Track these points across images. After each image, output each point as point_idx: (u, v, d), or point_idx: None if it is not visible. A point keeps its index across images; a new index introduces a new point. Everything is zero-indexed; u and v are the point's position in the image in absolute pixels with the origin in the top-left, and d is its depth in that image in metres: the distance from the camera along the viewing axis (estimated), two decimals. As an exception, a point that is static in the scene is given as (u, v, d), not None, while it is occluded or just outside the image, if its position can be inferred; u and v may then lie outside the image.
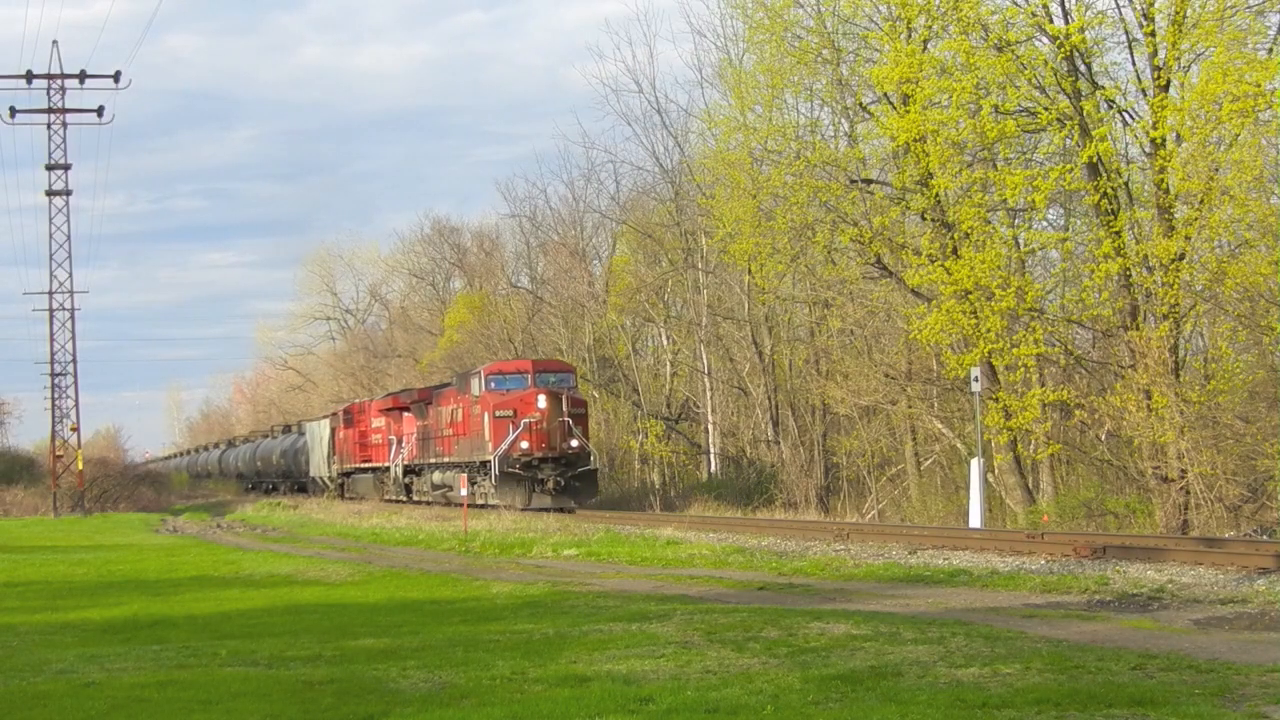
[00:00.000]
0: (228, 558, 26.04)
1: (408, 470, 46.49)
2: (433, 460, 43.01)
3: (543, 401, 35.91)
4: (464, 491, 33.98)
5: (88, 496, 56.84)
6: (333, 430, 56.66)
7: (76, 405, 58.19)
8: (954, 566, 18.27)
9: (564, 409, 36.21)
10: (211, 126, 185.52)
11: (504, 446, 35.99)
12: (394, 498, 47.28)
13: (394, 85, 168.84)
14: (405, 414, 46.88)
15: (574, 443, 36.22)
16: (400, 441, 47.44)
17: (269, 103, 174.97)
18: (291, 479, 67.44)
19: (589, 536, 25.95)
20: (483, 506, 36.82)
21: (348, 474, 55.21)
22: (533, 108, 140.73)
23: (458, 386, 40.68)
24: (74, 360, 58.14)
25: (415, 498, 45.13)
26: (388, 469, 49.00)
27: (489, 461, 36.51)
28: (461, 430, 39.46)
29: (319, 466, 59.80)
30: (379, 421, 50.66)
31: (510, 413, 36.25)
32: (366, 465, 52.17)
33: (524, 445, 35.93)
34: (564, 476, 36.06)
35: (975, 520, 26.41)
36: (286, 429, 75.48)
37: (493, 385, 37.43)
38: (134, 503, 60.74)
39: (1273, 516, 23.71)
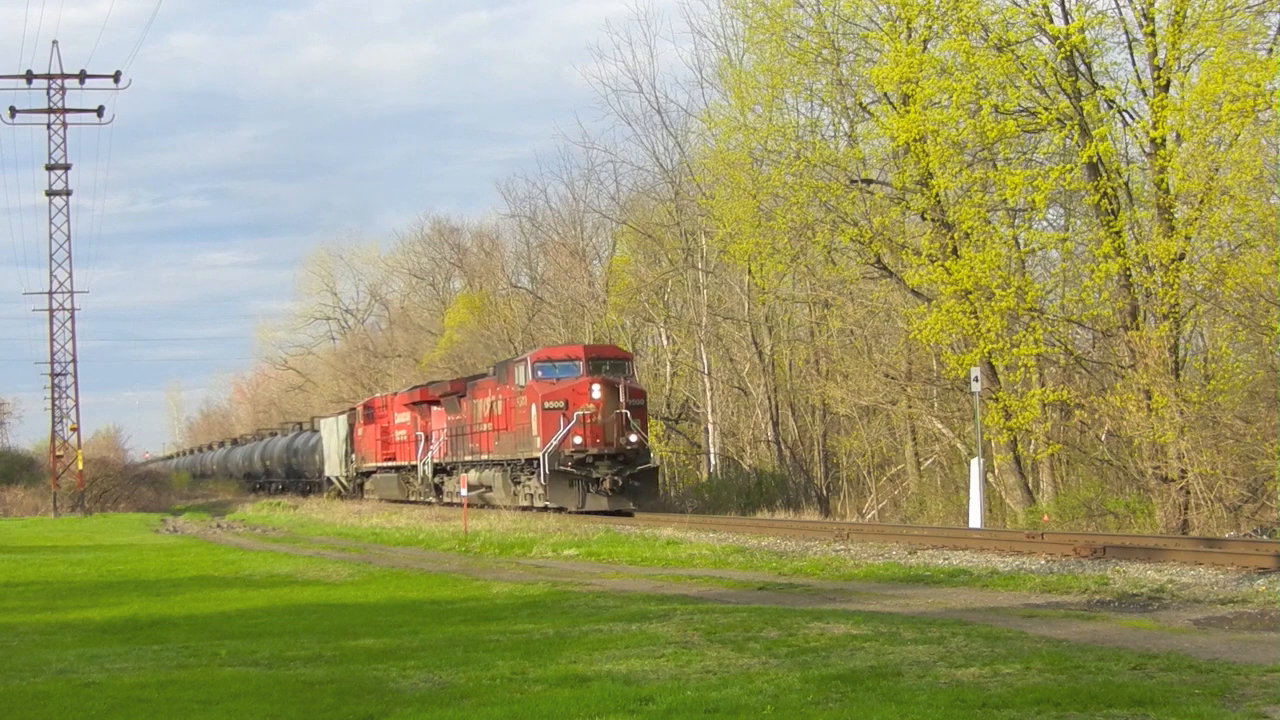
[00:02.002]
0: (228, 558, 26.04)
1: (438, 469, 43.08)
2: (468, 458, 39.49)
3: (598, 391, 32.59)
4: (464, 492, 33.30)
5: (88, 496, 56.83)
6: (351, 426, 53.34)
7: (76, 405, 58.29)
8: (954, 566, 18.26)
9: (621, 400, 32.83)
10: (215, 126, 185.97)
11: (554, 442, 32.51)
12: (422, 499, 44.00)
13: (398, 85, 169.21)
14: (434, 408, 43.46)
15: (633, 438, 32.83)
16: (429, 438, 43.99)
17: (273, 102, 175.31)
18: (303, 479, 64.74)
19: (589, 536, 25.94)
20: (526, 509, 34.26)
21: (367, 473, 51.80)
22: (536, 107, 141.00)
23: (497, 376, 37.19)
24: (74, 360, 58.24)
25: (446, 499, 41.96)
26: (414, 468, 45.46)
27: (537, 459, 33.18)
28: (503, 424, 36.01)
29: (335, 465, 56.69)
30: (404, 416, 46.99)
31: (561, 404, 32.79)
32: (389, 464, 48.55)
33: (577, 440, 32.48)
34: (622, 475, 32.59)
35: (975, 520, 26.41)
36: (298, 426, 72.86)
37: (540, 374, 33.83)
38: (134, 503, 60.70)
39: (1273, 516, 23.71)
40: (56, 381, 58.10)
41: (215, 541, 33.60)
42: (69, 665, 12.04)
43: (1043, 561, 18.27)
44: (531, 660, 11.25)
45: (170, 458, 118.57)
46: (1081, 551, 18.45)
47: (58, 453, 57.85)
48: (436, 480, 43.30)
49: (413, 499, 44.91)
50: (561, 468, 32.54)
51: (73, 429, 58.14)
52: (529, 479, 34.50)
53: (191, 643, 13.34)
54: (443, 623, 14.27)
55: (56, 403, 58.11)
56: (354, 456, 53.34)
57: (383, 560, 23.78)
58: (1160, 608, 13.79)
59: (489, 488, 37.61)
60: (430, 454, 43.69)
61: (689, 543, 23.90)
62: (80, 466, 57.09)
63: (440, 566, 22.03)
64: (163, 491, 70.45)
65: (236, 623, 15.10)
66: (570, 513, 32.01)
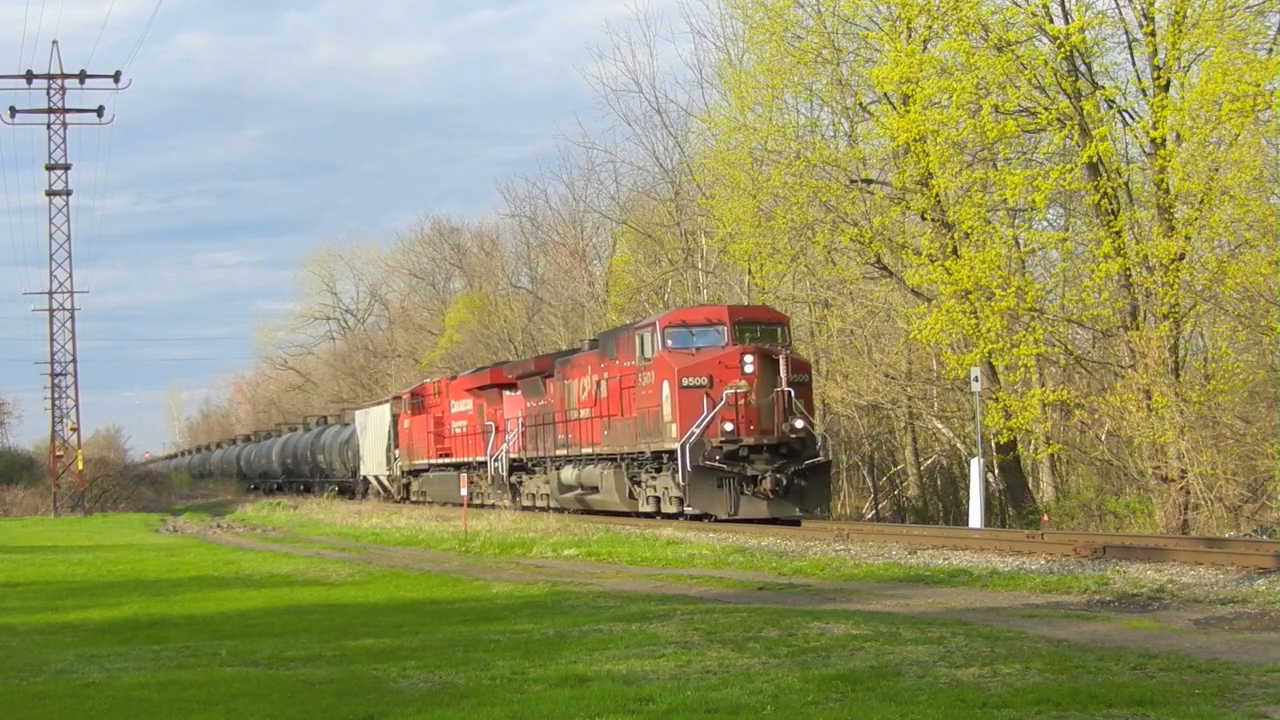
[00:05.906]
0: (228, 558, 26.04)
1: (515, 466, 36.45)
2: (560, 452, 32.65)
3: (751, 364, 25.71)
4: (463, 491, 32.76)
5: (88, 496, 56.84)
6: (395, 417, 46.59)
7: (76, 405, 58.32)
8: (954, 566, 18.26)
9: (782, 376, 25.70)
10: (221, 126, 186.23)
11: (696, 430, 25.60)
12: (494, 501, 37.76)
13: (405, 84, 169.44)
14: (508, 393, 36.96)
15: (798, 424, 25.77)
16: (500, 429, 37.43)
17: (279, 102, 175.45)
18: (331, 479, 59.30)
19: (589, 536, 25.92)
20: (650, 516, 28.34)
21: (416, 472, 45.04)
22: (543, 107, 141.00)
23: (602, 350, 30.31)
24: (74, 360, 58.28)
25: (525, 502, 36.08)
26: (480, 464, 38.59)
27: (669, 452, 26.55)
28: (613, 409, 29.22)
29: (375, 463, 50.37)
30: (463, 404, 40.28)
31: (704, 381, 25.92)
32: (445, 460, 41.68)
33: (727, 427, 25.58)
34: (785, 472, 25.68)
35: (975, 520, 26.40)
36: (323, 420, 67.89)
37: (672, 343, 26.89)
38: (134, 503, 60.69)
39: (1273, 516, 23.72)
40: (56, 381, 58.17)
41: (215, 541, 33.59)
42: (69, 665, 12.04)
43: (1043, 561, 18.26)
44: (531, 660, 11.24)
45: (172, 457, 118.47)
46: (1081, 551, 18.44)
47: (58, 453, 57.88)
48: (513, 480, 36.86)
49: (478, 502, 38.36)
50: (707, 463, 25.62)
51: (73, 429, 58.19)
52: (654, 478, 28.14)
53: (191, 643, 13.34)
54: (443, 623, 14.26)
55: (56, 403, 58.16)
56: (399, 452, 46.86)
57: (383, 560, 23.78)
58: (1160, 608, 13.78)
59: (591, 488, 31.05)
60: (504, 448, 36.95)
61: (689, 543, 23.87)
62: (80, 466, 57.10)
63: (440, 566, 22.03)
64: (163, 491, 70.41)
65: (236, 623, 15.09)
66: (719, 521, 25.99)
